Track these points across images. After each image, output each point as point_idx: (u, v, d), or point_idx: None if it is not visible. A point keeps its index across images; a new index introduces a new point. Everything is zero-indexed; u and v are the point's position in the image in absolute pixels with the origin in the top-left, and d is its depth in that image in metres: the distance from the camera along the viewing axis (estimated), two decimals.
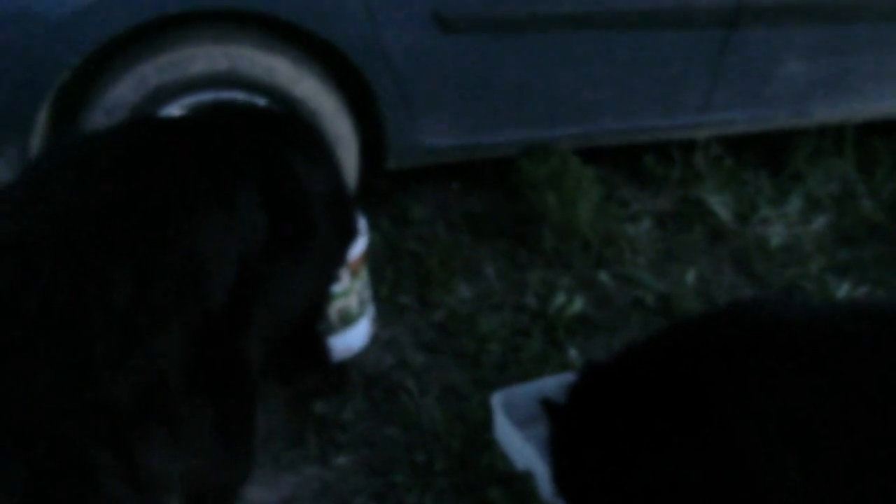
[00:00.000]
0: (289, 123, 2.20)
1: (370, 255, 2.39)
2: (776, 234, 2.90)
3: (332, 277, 2.16)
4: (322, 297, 2.16)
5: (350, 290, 2.30)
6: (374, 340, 2.43)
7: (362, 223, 2.33)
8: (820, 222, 2.98)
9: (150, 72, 2.30)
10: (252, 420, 1.80)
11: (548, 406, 1.71)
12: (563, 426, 1.69)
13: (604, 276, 2.66)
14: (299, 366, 2.27)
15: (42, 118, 2.35)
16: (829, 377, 1.43)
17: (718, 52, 2.81)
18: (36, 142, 2.38)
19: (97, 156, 1.52)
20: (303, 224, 1.85)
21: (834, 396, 1.41)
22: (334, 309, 2.29)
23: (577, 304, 2.53)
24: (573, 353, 2.37)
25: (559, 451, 1.69)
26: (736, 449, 1.43)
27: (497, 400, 2.08)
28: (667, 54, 2.78)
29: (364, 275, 2.36)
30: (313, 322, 2.19)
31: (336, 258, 2.13)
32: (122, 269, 1.34)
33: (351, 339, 2.37)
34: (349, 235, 2.18)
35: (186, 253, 1.46)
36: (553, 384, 2.14)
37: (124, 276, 1.34)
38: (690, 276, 2.69)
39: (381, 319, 2.49)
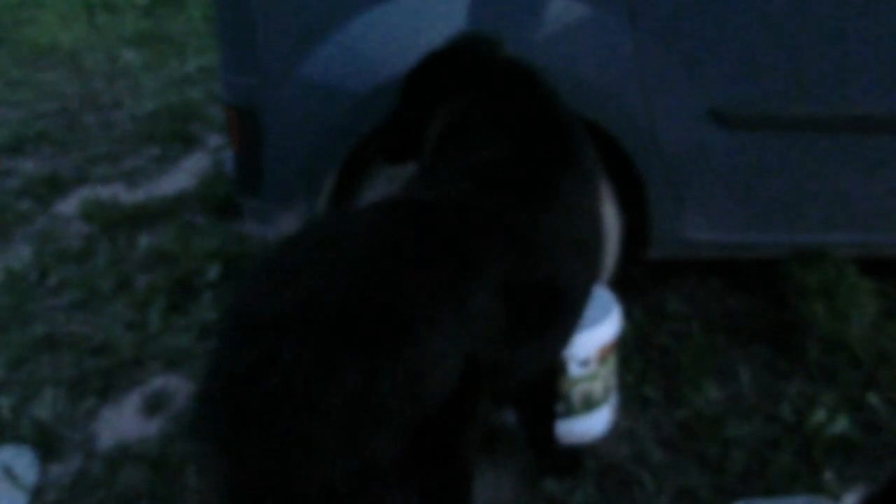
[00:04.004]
0: (545, 166, 1.96)
1: (620, 344, 2.36)
2: None
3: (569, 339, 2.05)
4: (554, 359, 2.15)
5: (596, 375, 2.29)
6: (613, 430, 2.38)
7: (617, 311, 2.31)
8: None
9: None
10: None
11: None
12: None
13: (873, 399, 2.44)
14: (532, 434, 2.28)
15: (330, 180, 2.59)
16: None
17: None
18: (322, 200, 2.61)
19: (346, 244, 1.60)
20: (549, 302, 1.82)
21: None
22: (578, 392, 2.28)
23: (841, 424, 2.33)
24: (829, 475, 2.19)
25: None
26: None
27: None
28: None
29: (612, 362, 2.34)
30: (546, 387, 2.20)
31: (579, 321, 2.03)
32: (353, 365, 1.42)
33: (590, 425, 2.34)
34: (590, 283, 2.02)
35: (413, 358, 1.50)
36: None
37: (354, 372, 1.42)
38: None
39: (623, 410, 2.45)
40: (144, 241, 3.59)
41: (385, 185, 2.62)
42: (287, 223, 2.67)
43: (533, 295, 1.74)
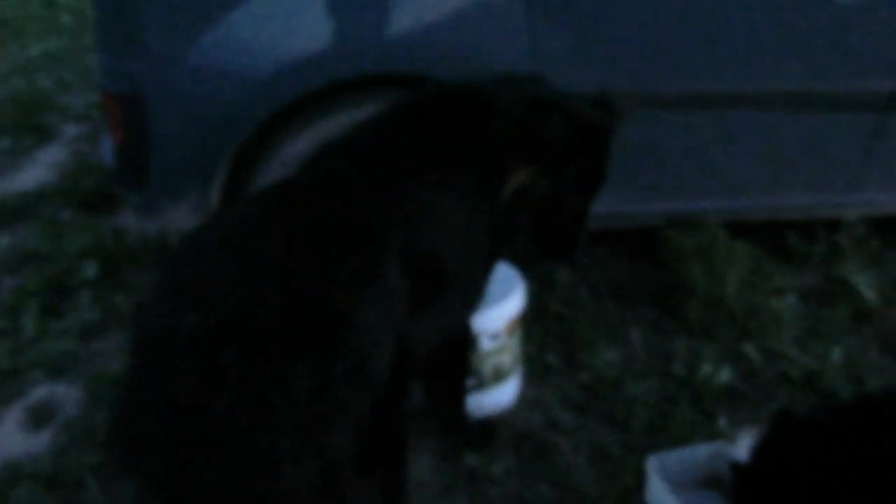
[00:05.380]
0: (416, 143, 1.93)
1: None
2: None
3: (472, 313, 2.10)
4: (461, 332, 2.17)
5: (505, 347, 2.37)
6: (521, 399, 2.48)
7: (522, 285, 2.40)
8: None
9: (332, 128, 2.42)
10: (407, 486, 1.88)
11: (734, 466, 1.73)
12: (750, 484, 1.70)
13: (750, 349, 2.66)
14: (444, 411, 2.33)
15: (223, 169, 2.52)
16: None
17: (870, 135, 2.83)
18: (215, 191, 2.55)
19: (254, 243, 1.55)
20: (439, 273, 1.81)
21: None
22: (489, 365, 2.36)
23: (725, 375, 2.54)
24: (723, 422, 2.38)
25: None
26: None
27: (652, 463, 2.10)
28: (819, 135, 2.81)
29: (518, 334, 2.43)
30: (460, 362, 2.25)
31: (476, 296, 2.05)
32: (303, 367, 1.39)
33: (500, 396, 2.43)
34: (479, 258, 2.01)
35: (356, 343, 1.49)
36: (706, 451, 2.18)
37: (305, 373, 1.39)
38: (836, 353, 2.67)
39: (529, 379, 2.55)
40: (5, 241, 3.38)
41: (280, 172, 2.58)
42: (176, 216, 2.59)
43: (421, 267, 1.72)
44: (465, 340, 2.22)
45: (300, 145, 2.48)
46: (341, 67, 2.43)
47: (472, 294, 2.01)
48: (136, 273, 3.04)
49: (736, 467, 1.75)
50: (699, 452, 2.18)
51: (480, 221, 1.90)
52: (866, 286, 2.93)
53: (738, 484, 1.74)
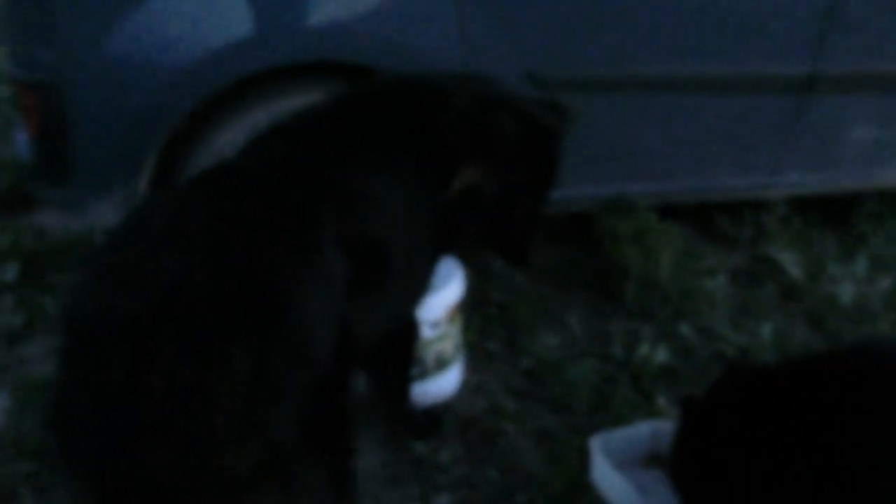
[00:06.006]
0: (362, 131, 1.90)
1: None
2: (845, 293, 2.96)
3: (415, 305, 2.10)
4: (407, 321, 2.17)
5: (447, 335, 2.37)
6: (465, 386, 2.48)
7: (461, 273, 2.40)
8: (886, 282, 3.05)
9: (260, 118, 2.38)
10: (355, 470, 1.85)
11: (684, 402, 1.79)
12: (694, 423, 1.75)
13: (685, 329, 2.72)
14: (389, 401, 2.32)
15: (150, 162, 2.43)
16: None
17: (791, 117, 2.92)
18: (142, 185, 2.46)
19: (187, 225, 1.51)
20: (380, 259, 1.79)
21: None
22: (431, 353, 2.35)
23: (662, 355, 2.59)
24: (662, 401, 2.42)
25: (685, 446, 1.75)
26: (866, 467, 1.49)
27: (596, 443, 2.12)
28: (742, 118, 2.89)
29: (459, 321, 2.43)
30: (405, 352, 2.24)
31: (419, 286, 2.05)
32: (241, 347, 1.37)
33: (444, 384, 2.42)
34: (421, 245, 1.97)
35: (295, 322, 1.47)
36: (647, 429, 2.22)
37: (243, 354, 1.36)
38: (766, 330, 2.75)
39: (471, 366, 2.55)
40: None
41: (211, 161, 2.51)
42: (102, 212, 2.49)
43: (361, 252, 1.71)
44: (409, 331, 2.22)
45: (232, 135, 2.42)
46: (270, 55, 2.38)
47: (416, 284, 2.00)
48: (61, 274, 2.92)
49: (686, 401, 1.78)
50: (640, 431, 2.21)
51: (425, 213, 1.88)
52: (792, 264, 3.02)
53: (685, 417, 1.78)
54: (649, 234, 2.78)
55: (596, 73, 2.67)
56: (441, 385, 2.41)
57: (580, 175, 2.83)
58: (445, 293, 2.33)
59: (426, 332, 2.31)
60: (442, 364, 2.39)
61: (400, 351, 2.24)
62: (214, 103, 2.41)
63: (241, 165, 1.77)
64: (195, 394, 1.32)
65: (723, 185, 3.03)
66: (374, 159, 1.81)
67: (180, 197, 1.68)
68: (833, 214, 3.32)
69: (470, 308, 2.71)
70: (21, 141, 2.65)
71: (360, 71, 2.42)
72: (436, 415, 2.38)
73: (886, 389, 1.55)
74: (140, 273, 1.41)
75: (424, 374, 2.36)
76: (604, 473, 2.10)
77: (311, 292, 1.52)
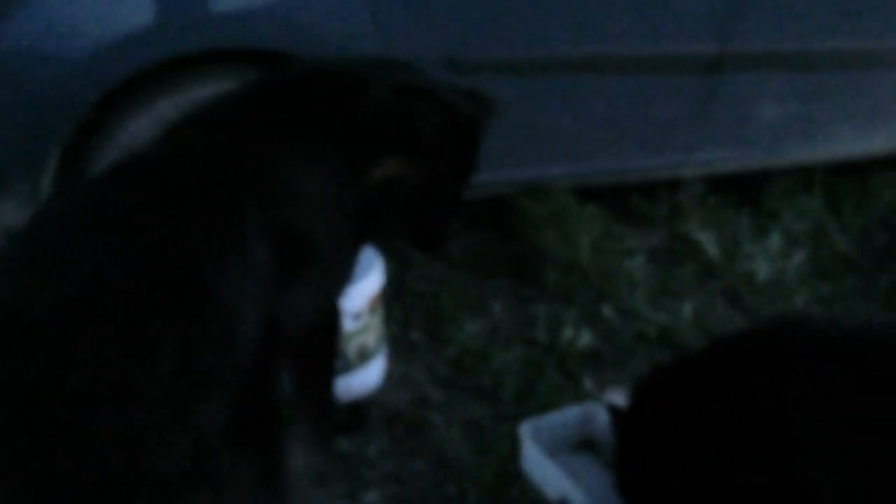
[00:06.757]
0: (281, 119, 1.85)
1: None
2: (761, 269, 3.01)
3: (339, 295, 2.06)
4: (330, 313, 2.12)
5: (368, 326, 2.32)
6: (389, 378, 2.43)
7: (380, 262, 2.35)
8: (799, 257, 3.12)
9: (169, 109, 2.29)
10: (286, 466, 1.80)
11: (613, 411, 1.78)
12: (628, 430, 1.75)
13: (607, 311, 2.73)
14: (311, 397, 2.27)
15: (54, 157, 2.33)
16: (883, 381, 1.52)
17: (704, 96, 2.95)
18: (46, 182, 2.35)
19: (102, 216, 1.47)
20: (303, 249, 1.76)
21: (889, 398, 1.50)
22: (354, 345, 2.30)
23: (586, 338, 2.59)
24: (589, 383, 2.43)
25: (625, 455, 1.75)
26: (798, 450, 1.51)
27: (525, 430, 2.11)
28: (656, 97, 2.91)
29: (380, 312, 2.38)
30: (329, 344, 2.18)
31: (342, 276, 2.01)
32: (166, 339, 1.32)
33: (367, 377, 2.37)
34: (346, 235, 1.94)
35: (221, 313, 1.43)
36: (576, 413, 2.22)
37: (169, 346, 1.32)
38: (687, 309, 2.78)
39: (394, 357, 2.50)
40: None
41: (117, 154, 2.41)
42: (2, 211, 2.37)
43: (285, 240, 1.67)
44: (332, 322, 2.15)
45: (139, 127, 2.32)
46: (172, 44, 2.29)
47: (340, 274, 1.96)
48: None
49: (615, 413, 1.79)
50: (569, 415, 2.21)
51: (347, 202, 1.84)
52: (709, 243, 3.06)
53: (618, 430, 1.79)
54: (567, 216, 2.79)
55: (510, 55, 2.65)
56: (365, 378, 2.36)
57: (497, 159, 2.81)
58: (366, 283, 2.28)
59: (347, 324, 2.25)
60: (365, 356, 2.34)
61: (324, 343, 2.18)
62: (120, 95, 2.30)
63: (157, 156, 1.70)
64: (119, 390, 1.27)
65: (639, 165, 3.05)
66: (295, 148, 1.77)
67: (95, 189, 1.63)
68: (747, 192, 3.38)
69: (391, 298, 2.67)
70: None
71: (269, 58, 2.35)
72: (361, 408, 2.33)
73: (806, 367, 1.57)
74: (57, 266, 1.36)
75: (347, 367, 2.31)
76: (534, 461, 2.09)
77: (237, 282, 1.48)
